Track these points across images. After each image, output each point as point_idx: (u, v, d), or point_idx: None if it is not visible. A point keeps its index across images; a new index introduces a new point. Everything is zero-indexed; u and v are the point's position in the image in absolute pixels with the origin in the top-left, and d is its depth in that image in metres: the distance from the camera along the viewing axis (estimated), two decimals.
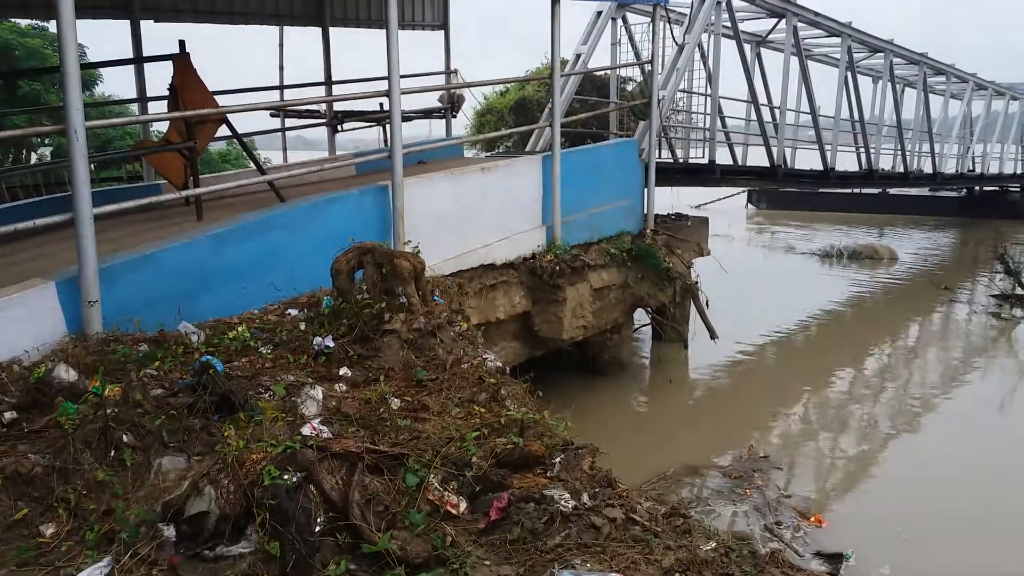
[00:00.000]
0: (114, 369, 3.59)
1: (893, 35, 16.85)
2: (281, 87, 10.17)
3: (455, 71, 10.34)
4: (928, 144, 19.70)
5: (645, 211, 9.35)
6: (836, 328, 12.54)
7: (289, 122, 10.49)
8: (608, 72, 12.81)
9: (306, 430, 3.18)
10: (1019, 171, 27.54)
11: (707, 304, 9.53)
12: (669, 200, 13.31)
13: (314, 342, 4.11)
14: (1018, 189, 27.51)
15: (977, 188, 27.02)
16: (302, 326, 4.36)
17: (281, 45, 11.26)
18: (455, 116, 10.64)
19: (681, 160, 12.21)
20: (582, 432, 3.86)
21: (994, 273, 14.28)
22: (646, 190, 9.34)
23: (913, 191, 25.86)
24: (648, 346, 10.55)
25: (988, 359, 10.50)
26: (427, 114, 10.38)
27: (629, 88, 14.84)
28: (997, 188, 27.38)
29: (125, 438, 3.03)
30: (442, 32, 10.54)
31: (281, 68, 11.18)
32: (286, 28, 10.49)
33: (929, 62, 18.85)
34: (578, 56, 11.59)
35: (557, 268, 7.48)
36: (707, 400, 8.80)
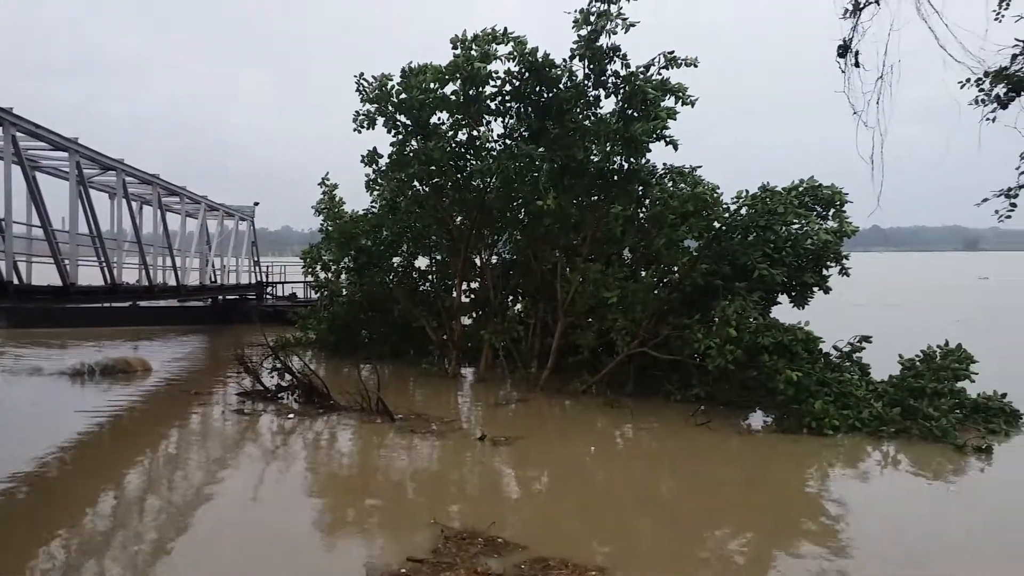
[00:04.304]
0: None
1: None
2: None
3: None
4: (170, 258, 20.99)
5: None
6: (95, 451, 11.81)
7: None
8: None
9: None
10: (253, 281, 32.03)
11: None
12: None
13: None
14: (254, 297, 31.89)
15: (221, 297, 30.05)
16: None
17: None
18: None
19: None
20: None
21: (238, 373, 16.03)
22: None
23: (163, 303, 26.94)
24: None
25: (240, 452, 11.65)
26: None
27: None
28: (238, 296, 31.07)
29: None
30: None
31: None
32: None
33: (161, 183, 20.26)
34: None
35: None
36: None
